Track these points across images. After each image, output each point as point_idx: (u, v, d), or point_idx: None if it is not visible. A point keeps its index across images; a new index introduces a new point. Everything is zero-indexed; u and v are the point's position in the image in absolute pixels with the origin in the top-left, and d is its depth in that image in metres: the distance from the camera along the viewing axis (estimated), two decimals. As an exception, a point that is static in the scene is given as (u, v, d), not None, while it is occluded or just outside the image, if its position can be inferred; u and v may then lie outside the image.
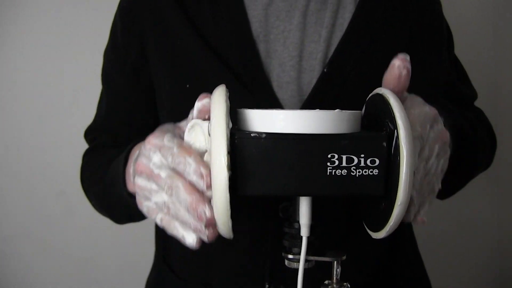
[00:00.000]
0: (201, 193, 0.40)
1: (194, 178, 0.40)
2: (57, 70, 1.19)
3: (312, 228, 0.45)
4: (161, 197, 0.43)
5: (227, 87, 0.59)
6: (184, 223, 0.42)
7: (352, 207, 0.62)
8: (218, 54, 0.61)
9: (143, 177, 0.44)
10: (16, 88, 1.19)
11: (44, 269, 1.25)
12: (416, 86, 0.64)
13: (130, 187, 0.54)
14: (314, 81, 0.61)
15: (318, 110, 0.41)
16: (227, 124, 0.38)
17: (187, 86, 0.62)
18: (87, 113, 1.22)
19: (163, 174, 0.42)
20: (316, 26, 0.62)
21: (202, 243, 0.43)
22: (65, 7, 1.17)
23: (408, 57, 0.45)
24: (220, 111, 0.38)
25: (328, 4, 0.63)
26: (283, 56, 0.62)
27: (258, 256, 0.62)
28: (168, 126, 0.47)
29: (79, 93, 1.21)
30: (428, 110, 0.46)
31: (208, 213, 0.40)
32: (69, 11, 1.17)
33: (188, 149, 0.42)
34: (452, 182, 0.56)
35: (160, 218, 0.44)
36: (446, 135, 0.48)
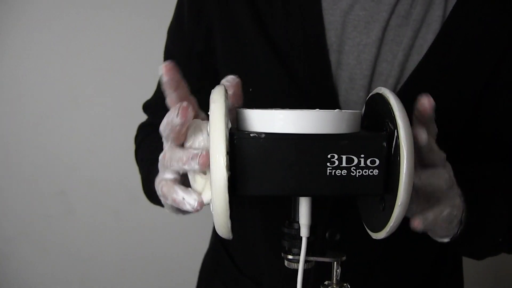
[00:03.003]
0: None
1: (170, 115, 0.41)
2: (58, 70, 1.19)
3: (312, 228, 0.45)
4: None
5: (292, 100, 0.55)
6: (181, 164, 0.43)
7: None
8: (285, 60, 0.56)
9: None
10: (17, 88, 1.19)
11: (44, 269, 1.25)
12: (494, 123, 0.60)
13: None
14: None
15: (317, 110, 0.41)
16: (226, 124, 0.38)
17: (250, 90, 0.58)
18: (88, 113, 1.22)
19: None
20: (393, 44, 0.56)
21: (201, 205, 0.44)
22: (66, 7, 1.17)
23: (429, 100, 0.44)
24: (219, 111, 0.38)
25: (411, 20, 0.56)
26: (354, 72, 0.57)
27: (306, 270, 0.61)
28: None
29: (80, 93, 1.21)
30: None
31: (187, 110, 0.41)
32: (69, 11, 1.17)
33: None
34: (479, 246, 0.54)
35: (161, 186, 0.45)
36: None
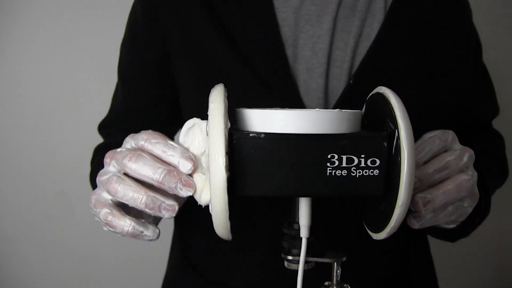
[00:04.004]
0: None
1: (179, 159, 0.41)
2: (58, 70, 1.19)
3: (312, 229, 0.45)
4: (110, 173, 0.43)
5: (253, 92, 0.57)
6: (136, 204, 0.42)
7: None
8: (244, 57, 0.59)
9: (106, 164, 0.45)
10: (17, 88, 1.19)
11: (44, 269, 1.24)
12: (440, 97, 0.64)
13: None
14: (340, 90, 0.60)
15: (317, 109, 0.40)
16: (226, 124, 0.38)
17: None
18: (88, 113, 1.22)
19: (128, 145, 0.44)
20: (343, 34, 0.61)
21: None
22: (66, 7, 1.17)
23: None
24: (218, 111, 0.38)
25: (357, 11, 0.61)
26: (311, 62, 0.60)
27: (279, 259, 0.61)
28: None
29: (80, 93, 1.21)
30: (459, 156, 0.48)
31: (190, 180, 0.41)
32: (70, 11, 1.17)
33: (164, 135, 0.44)
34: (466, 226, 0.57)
35: (104, 214, 0.44)
36: (470, 150, 0.49)
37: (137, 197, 0.42)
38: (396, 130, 0.39)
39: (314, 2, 0.61)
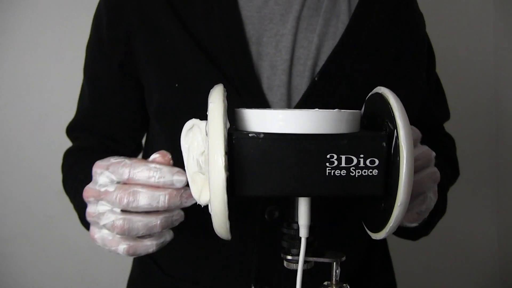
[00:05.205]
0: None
1: (173, 178, 0.43)
2: (59, 70, 1.19)
3: (311, 229, 0.45)
4: (111, 216, 0.43)
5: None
6: (145, 231, 0.44)
7: (336, 208, 0.63)
8: (208, 54, 0.60)
9: (91, 203, 0.45)
10: (16, 88, 1.19)
11: (44, 269, 1.24)
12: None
13: None
14: (303, 87, 0.61)
15: (316, 110, 0.40)
16: (225, 124, 0.38)
17: (176, 85, 0.61)
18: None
19: (111, 188, 0.43)
20: (307, 32, 0.62)
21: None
22: (66, 7, 1.17)
23: None
24: (217, 111, 0.38)
25: (321, 12, 0.63)
26: (274, 59, 0.61)
27: (245, 257, 0.62)
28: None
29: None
30: (426, 151, 0.51)
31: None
32: (69, 11, 1.17)
33: (143, 160, 0.44)
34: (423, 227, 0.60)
35: (123, 249, 0.44)
36: (425, 152, 0.51)
37: (153, 226, 0.43)
38: (395, 130, 0.39)
39: (278, 2, 0.62)
